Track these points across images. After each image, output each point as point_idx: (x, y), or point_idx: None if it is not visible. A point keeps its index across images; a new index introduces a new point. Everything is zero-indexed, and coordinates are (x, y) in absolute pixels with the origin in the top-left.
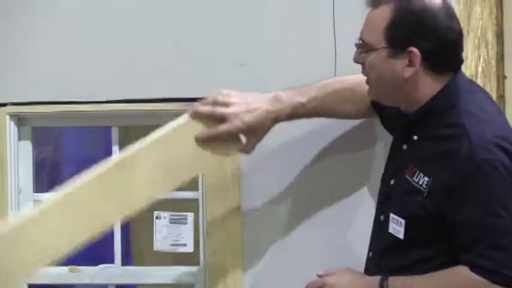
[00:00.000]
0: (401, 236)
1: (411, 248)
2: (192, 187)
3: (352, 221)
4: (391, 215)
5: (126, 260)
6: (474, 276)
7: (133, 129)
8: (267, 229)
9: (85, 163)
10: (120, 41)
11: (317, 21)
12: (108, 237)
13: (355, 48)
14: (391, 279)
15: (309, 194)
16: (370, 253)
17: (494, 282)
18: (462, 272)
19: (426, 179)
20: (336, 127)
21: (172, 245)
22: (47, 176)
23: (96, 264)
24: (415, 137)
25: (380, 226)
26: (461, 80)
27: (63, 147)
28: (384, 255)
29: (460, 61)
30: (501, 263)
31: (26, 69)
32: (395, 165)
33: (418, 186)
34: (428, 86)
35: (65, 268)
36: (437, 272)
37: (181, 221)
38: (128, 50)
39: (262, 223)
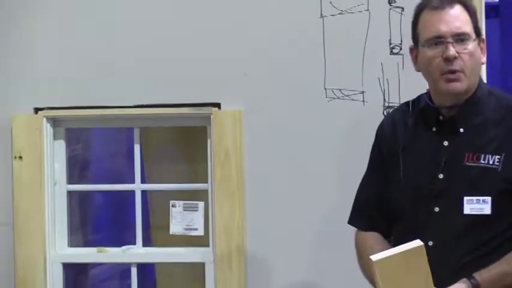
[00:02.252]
0: (488, 211)
1: (496, 221)
2: (202, 179)
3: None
4: (466, 198)
5: (147, 242)
6: None
7: (152, 130)
8: (269, 216)
9: (110, 159)
10: (140, 56)
11: (309, 38)
12: (131, 222)
13: (342, 59)
14: (477, 276)
15: (309, 183)
16: (431, 242)
17: None
18: None
19: (497, 157)
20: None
21: (186, 229)
22: (78, 170)
23: (120, 246)
24: (462, 130)
25: (438, 216)
26: None
27: (92, 146)
28: (464, 236)
29: None
30: None
31: (59, 78)
32: (440, 161)
33: (490, 165)
34: (479, 76)
35: (94, 249)
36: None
37: (194, 209)
38: (147, 62)
39: (264, 211)
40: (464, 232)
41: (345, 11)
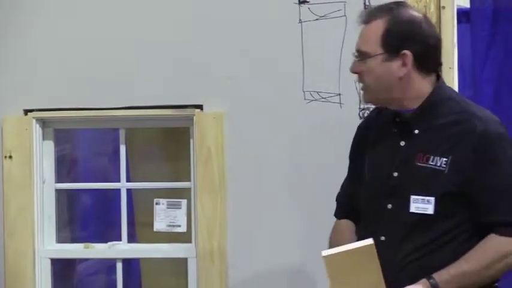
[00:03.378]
0: (430, 211)
1: (438, 222)
2: (185, 178)
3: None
4: (413, 197)
5: (131, 239)
6: (503, 238)
7: (137, 131)
8: (249, 213)
9: (97, 159)
10: (126, 59)
11: (288, 42)
12: (117, 219)
13: (319, 63)
14: (436, 276)
15: (288, 182)
16: (383, 237)
17: None
18: (493, 240)
19: (444, 159)
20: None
21: (169, 226)
22: (66, 169)
23: (106, 242)
24: (416, 131)
25: (390, 213)
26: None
27: (79, 146)
28: (408, 235)
29: (440, 63)
30: None
31: (48, 81)
32: (396, 160)
33: (437, 167)
34: (421, 84)
35: (81, 245)
36: (470, 252)
37: (177, 206)
38: (133, 65)
39: (245, 208)
40: (410, 230)
41: (323, 16)
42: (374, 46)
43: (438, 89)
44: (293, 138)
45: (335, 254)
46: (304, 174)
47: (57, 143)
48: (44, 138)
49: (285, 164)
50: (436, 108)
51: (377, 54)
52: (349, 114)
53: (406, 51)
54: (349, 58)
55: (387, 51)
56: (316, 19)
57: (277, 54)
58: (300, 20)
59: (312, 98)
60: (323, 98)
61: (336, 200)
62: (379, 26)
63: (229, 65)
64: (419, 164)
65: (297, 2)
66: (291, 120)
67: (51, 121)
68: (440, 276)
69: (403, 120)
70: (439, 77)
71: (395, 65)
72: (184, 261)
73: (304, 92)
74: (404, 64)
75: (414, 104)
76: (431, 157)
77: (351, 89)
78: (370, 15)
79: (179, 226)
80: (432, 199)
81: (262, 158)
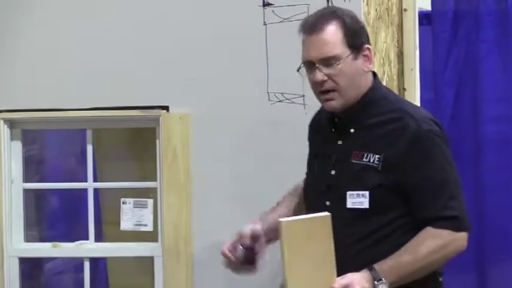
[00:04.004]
0: (366, 205)
1: (375, 215)
2: (151, 178)
3: None
4: (349, 192)
5: (99, 238)
6: (440, 230)
7: (104, 131)
8: (214, 212)
9: (64, 159)
10: (93, 61)
11: (252, 44)
12: (84, 218)
13: (283, 65)
14: (377, 266)
15: (252, 181)
16: None
17: (456, 229)
18: (429, 232)
19: (377, 156)
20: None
21: (136, 225)
22: (34, 169)
23: (73, 241)
24: (352, 130)
25: (329, 210)
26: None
27: (47, 146)
28: (346, 230)
29: None
30: (458, 209)
31: (16, 82)
32: (333, 158)
33: (371, 163)
34: (368, 80)
35: (49, 244)
36: (408, 244)
37: (143, 206)
38: (100, 67)
39: (210, 207)
40: (348, 225)
41: (287, 19)
42: (341, 48)
43: (373, 88)
44: (258, 138)
45: (293, 221)
46: (269, 173)
47: (25, 143)
48: (11, 139)
49: (250, 164)
50: (371, 107)
51: (348, 55)
52: (312, 115)
53: (368, 45)
54: None
55: (353, 50)
56: (281, 21)
57: (242, 56)
58: (264, 22)
59: (277, 99)
60: (287, 99)
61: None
62: (335, 29)
63: (194, 66)
64: (354, 161)
65: (261, 4)
66: (256, 120)
67: (19, 122)
68: (380, 266)
69: (340, 119)
70: (375, 74)
71: (360, 61)
72: (150, 260)
73: (268, 93)
74: (367, 58)
75: (354, 101)
76: (365, 154)
77: None
78: (318, 23)
79: (145, 225)
80: (366, 193)
81: (227, 158)
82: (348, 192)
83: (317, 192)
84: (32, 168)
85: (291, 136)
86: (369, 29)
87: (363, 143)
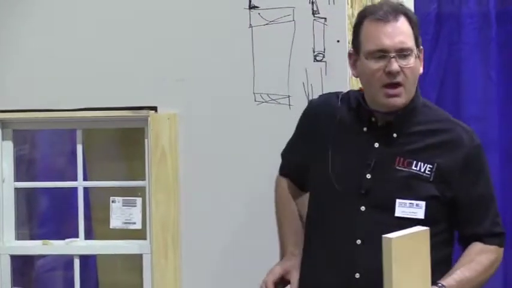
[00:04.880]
0: (421, 216)
1: (427, 226)
2: (140, 177)
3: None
4: (399, 201)
5: (88, 235)
6: (490, 246)
7: (94, 131)
8: (202, 210)
9: (55, 158)
10: (83, 61)
11: (238, 46)
12: (74, 217)
13: (269, 66)
14: (445, 283)
15: (239, 180)
16: (359, 241)
17: (502, 245)
18: (481, 248)
19: (428, 166)
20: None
21: (125, 223)
22: (25, 168)
23: (64, 239)
24: (395, 135)
25: (365, 216)
26: None
27: (38, 146)
28: None
29: None
30: (502, 226)
31: (7, 83)
32: (369, 161)
33: (421, 173)
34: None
35: (39, 242)
36: (463, 259)
37: (132, 204)
38: (90, 68)
39: (198, 206)
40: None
41: (272, 21)
42: (412, 42)
43: (418, 94)
44: (244, 138)
45: (401, 237)
46: (255, 172)
47: (16, 143)
48: (3, 139)
49: (236, 163)
50: (416, 113)
51: (416, 51)
52: (297, 115)
53: (422, 48)
54: (297, 61)
55: (417, 47)
56: (266, 24)
57: (228, 58)
58: (250, 24)
59: (262, 100)
60: (273, 99)
61: (282, 157)
62: (405, 23)
63: (182, 67)
64: (398, 167)
65: (247, 7)
66: (242, 121)
67: (10, 122)
68: (447, 281)
69: (382, 123)
70: None
71: (418, 61)
72: (139, 257)
73: (254, 94)
74: (421, 61)
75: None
76: (414, 162)
77: (300, 91)
78: (393, 12)
79: (134, 223)
80: (423, 203)
81: (215, 158)
82: (398, 201)
83: (343, 195)
84: (23, 167)
85: (277, 136)
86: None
87: (411, 150)
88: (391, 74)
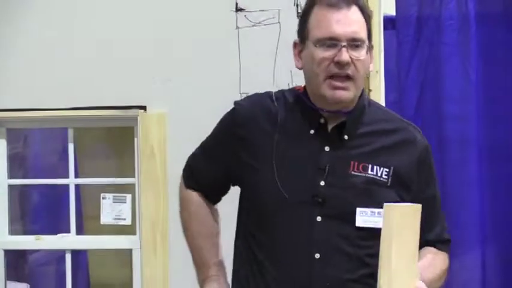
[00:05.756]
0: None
1: None
2: (130, 174)
3: None
4: (360, 209)
5: (80, 231)
6: (442, 253)
7: (85, 130)
8: None
9: (47, 156)
10: (74, 62)
11: (225, 47)
12: (66, 212)
13: (255, 66)
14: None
15: None
16: (317, 254)
17: (449, 252)
18: (439, 255)
19: (385, 170)
20: None
21: (115, 219)
22: (18, 166)
23: (56, 234)
24: (346, 137)
25: (322, 226)
26: None
27: (31, 144)
28: (353, 250)
29: None
30: (448, 230)
31: (0, 84)
32: (320, 167)
33: (378, 178)
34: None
35: (32, 237)
36: (422, 263)
37: (122, 201)
38: (81, 68)
39: None
40: (355, 244)
41: (258, 23)
42: (364, 34)
43: (363, 93)
44: None
45: (397, 206)
46: None
47: (10, 141)
48: None
49: None
50: (364, 113)
51: (367, 43)
52: None
53: (372, 45)
54: (282, 62)
55: (369, 41)
56: (252, 25)
57: (215, 58)
58: (237, 26)
59: None
60: None
61: (190, 167)
62: (358, 13)
63: (170, 68)
64: (354, 172)
65: (234, 9)
66: None
67: (4, 121)
68: (422, 278)
69: (332, 124)
70: None
71: (369, 57)
72: (129, 252)
73: (240, 93)
74: (372, 57)
75: (350, 106)
76: (370, 166)
77: None
78: (346, 0)
79: (124, 219)
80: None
81: None
82: (359, 209)
83: (294, 205)
84: (16, 165)
85: None
86: None
87: (364, 153)
88: (340, 64)
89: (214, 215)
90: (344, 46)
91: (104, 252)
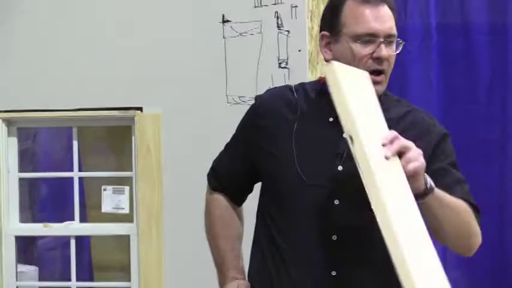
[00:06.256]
0: None
1: None
2: (128, 169)
3: None
4: None
5: (83, 219)
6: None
7: (87, 129)
8: (182, 197)
9: (54, 152)
10: (79, 68)
11: (214, 54)
12: (70, 202)
13: (240, 72)
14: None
15: None
16: (334, 236)
17: (479, 219)
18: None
19: None
20: None
21: (114, 208)
22: (28, 161)
23: (62, 222)
24: None
25: (339, 210)
26: None
27: (39, 142)
28: (367, 232)
29: None
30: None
31: (12, 87)
32: (338, 153)
33: None
34: None
35: (40, 224)
36: (455, 198)
37: (121, 192)
38: (84, 74)
39: (179, 194)
40: (371, 226)
41: (243, 33)
42: (395, 30)
43: None
44: (218, 134)
45: (342, 65)
46: None
47: (20, 139)
48: (8, 135)
49: (211, 156)
50: (380, 101)
51: (398, 40)
52: None
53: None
54: (264, 68)
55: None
56: (237, 35)
57: (205, 65)
58: (223, 36)
59: (234, 102)
60: (243, 101)
61: (215, 170)
62: (388, 10)
63: (165, 73)
64: None
65: (221, 21)
66: (217, 119)
67: (15, 121)
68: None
69: None
70: None
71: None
72: (127, 237)
73: (227, 96)
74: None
75: None
76: None
77: None
78: None
79: (123, 208)
80: None
81: (193, 152)
82: None
83: (313, 189)
84: (26, 160)
85: None
86: (313, 43)
87: None
88: (380, 59)
89: (239, 218)
90: (382, 42)
91: (105, 238)
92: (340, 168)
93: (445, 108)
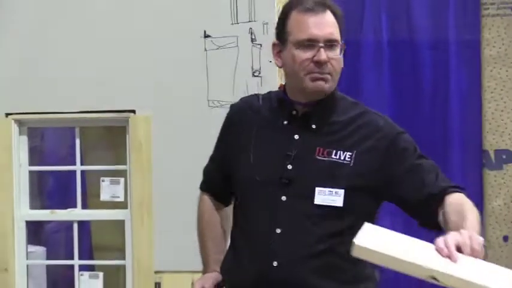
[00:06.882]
0: (340, 203)
1: (346, 213)
2: (123, 163)
3: None
4: (318, 189)
5: (84, 206)
6: (461, 194)
7: (88, 128)
8: (170, 188)
9: (59, 149)
10: (80, 72)
11: (196, 65)
12: (74, 192)
13: (219, 79)
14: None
15: (197, 167)
16: (278, 230)
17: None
18: (461, 197)
19: (348, 153)
20: None
21: (112, 197)
22: (37, 156)
23: (66, 209)
24: (314, 126)
25: (286, 205)
26: None
27: (46, 139)
28: (310, 227)
29: None
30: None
31: (23, 91)
32: (289, 153)
33: (341, 160)
34: None
35: (48, 211)
36: (455, 209)
37: (117, 183)
38: (86, 80)
39: (167, 184)
40: (314, 221)
41: (222, 46)
42: (338, 35)
43: (336, 87)
44: (200, 134)
45: (358, 239)
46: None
47: (30, 137)
48: (20, 134)
49: (194, 153)
50: (334, 105)
51: (340, 43)
52: None
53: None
54: (240, 76)
55: (341, 41)
56: (217, 48)
57: (189, 73)
58: (205, 49)
59: (214, 105)
60: (222, 105)
61: (204, 173)
62: (331, 16)
63: (155, 81)
64: (318, 157)
65: (203, 36)
66: (199, 121)
67: (26, 122)
68: (467, 227)
69: (300, 114)
70: None
71: (341, 56)
72: (122, 222)
73: (208, 100)
74: (343, 55)
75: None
76: (334, 151)
77: None
78: (321, 5)
79: (118, 197)
80: (341, 191)
81: (179, 149)
82: (318, 188)
83: (264, 186)
84: (35, 155)
85: None
86: None
87: (330, 140)
88: (319, 63)
89: (225, 218)
90: (322, 47)
91: (103, 223)
92: (289, 167)
93: (394, 111)
